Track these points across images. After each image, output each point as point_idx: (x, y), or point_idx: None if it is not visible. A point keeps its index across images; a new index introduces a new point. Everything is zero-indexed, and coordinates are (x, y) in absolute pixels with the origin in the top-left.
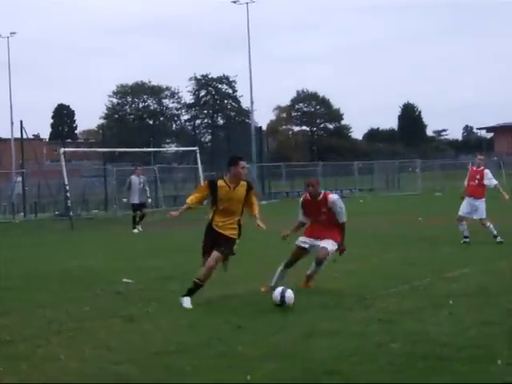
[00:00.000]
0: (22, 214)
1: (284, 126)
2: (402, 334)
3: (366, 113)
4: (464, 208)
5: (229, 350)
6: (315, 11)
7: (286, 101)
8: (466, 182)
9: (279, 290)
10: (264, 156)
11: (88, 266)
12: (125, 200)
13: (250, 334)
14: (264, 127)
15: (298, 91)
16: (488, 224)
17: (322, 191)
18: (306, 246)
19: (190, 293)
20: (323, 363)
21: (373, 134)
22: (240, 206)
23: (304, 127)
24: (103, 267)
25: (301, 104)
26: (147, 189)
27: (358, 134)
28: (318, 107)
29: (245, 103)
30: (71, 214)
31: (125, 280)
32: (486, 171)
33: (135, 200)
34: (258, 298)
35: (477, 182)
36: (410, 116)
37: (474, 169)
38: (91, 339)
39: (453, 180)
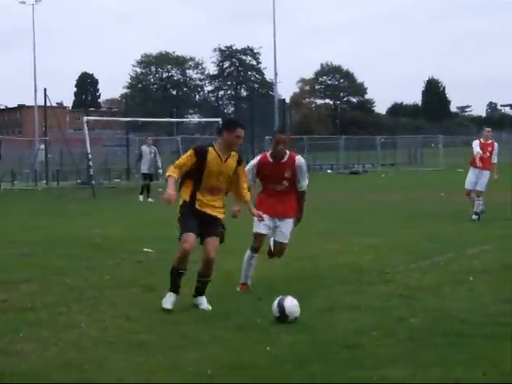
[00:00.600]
0: (45, 181)
1: (307, 99)
2: (422, 309)
3: (389, 87)
4: (471, 179)
5: (247, 322)
6: None
7: (309, 74)
8: (475, 153)
9: (275, 301)
10: (287, 128)
11: (109, 234)
12: (135, 170)
13: (270, 306)
14: (287, 100)
15: (321, 64)
16: (481, 198)
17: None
18: (265, 231)
19: (201, 293)
20: (343, 337)
21: (396, 109)
22: (227, 183)
23: (327, 100)
24: (124, 236)
25: (324, 77)
26: (158, 159)
27: (381, 108)
28: (341, 81)
29: (268, 75)
30: (93, 182)
31: (145, 249)
32: (496, 145)
33: (145, 170)
34: (278, 270)
35: (488, 154)
36: (433, 91)
37: (483, 141)
38: (111, 308)
39: None
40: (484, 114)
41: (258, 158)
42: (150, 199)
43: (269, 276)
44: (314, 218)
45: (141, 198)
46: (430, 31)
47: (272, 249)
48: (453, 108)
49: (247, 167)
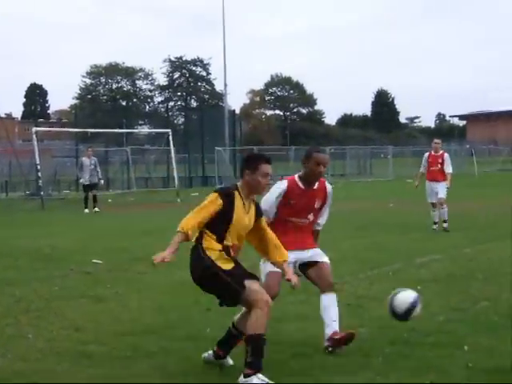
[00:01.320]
0: None
1: (257, 110)
2: (370, 318)
3: (339, 98)
4: (429, 192)
5: (197, 332)
6: None
7: (259, 84)
8: (423, 169)
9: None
10: (237, 139)
11: (58, 245)
12: (81, 181)
13: (219, 316)
14: (237, 111)
15: (272, 75)
16: (445, 206)
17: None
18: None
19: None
20: (291, 346)
21: (346, 120)
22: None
23: (277, 111)
24: (73, 247)
25: (274, 88)
26: (98, 170)
27: (331, 119)
28: (291, 91)
29: (218, 86)
30: (42, 193)
31: (94, 261)
32: (447, 155)
33: (86, 181)
34: None
35: (439, 166)
36: (383, 102)
37: (433, 153)
38: (59, 319)
39: None
40: (433, 125)
41: (283, 184)
42: (96, 209)
43: None
44: None
45: (86, 210)
46: (380, 42)
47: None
48: (402, 119)
49: (265, 198)
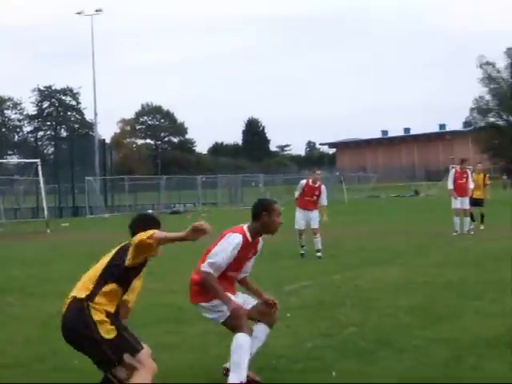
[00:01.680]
0: None
1: (128, 139)
2: None
3: (210, 127)
4: (299, 219)
5: (65, 364)
6: (160, 24)
7: (130, 114)
8: (297, 195)
9: None
10: (107, 169)
11: None
12: None
13: None
14: (108, 140)
15: (142, 104)
16: (318, 235)
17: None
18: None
19: None
20: (163, 377)
21: (217, 148)
22: None
23: (148, 140)
24: None
25: (145, 117)
26: None
27: (202, 147)
28: (162, 120)
29: (89, 115)
30: None
31: None
32: (323, 188)
33: None
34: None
35: (315, 198)
36: (254, 131)
37: (311, 184)
38: None
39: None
40: (303, 153)
41: (237, 237)
42: None
43: None
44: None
45: None
46: (250, 73)
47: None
48: (273, 147)
49: (219, 251)
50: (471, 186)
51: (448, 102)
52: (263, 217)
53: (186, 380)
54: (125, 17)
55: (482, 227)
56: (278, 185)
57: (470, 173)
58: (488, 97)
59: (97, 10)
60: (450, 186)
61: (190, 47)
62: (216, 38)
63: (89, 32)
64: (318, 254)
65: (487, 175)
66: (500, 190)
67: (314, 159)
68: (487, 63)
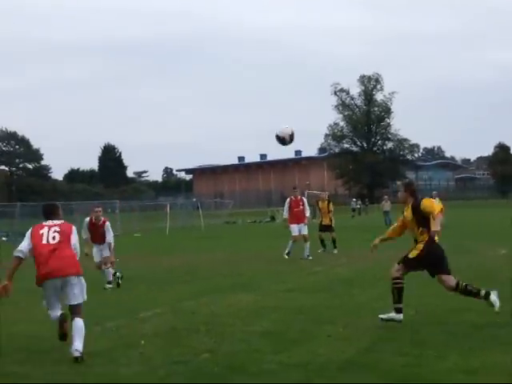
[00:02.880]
0: None
1: None
2: (93, 375)
3: (66, 153)
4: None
5: None
6: (12, 48)
7: None
8: (286, 214)
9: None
10: None
11: None
12: None
13: None
14: None
15: None
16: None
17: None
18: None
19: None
20: None
21: (73, 175)
22: None
23: (3, 167)
24: None
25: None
26: None
27: (58, 174)
28: (17, 147)
29: None
30: None
31: None
32: (108, 224)
33: None
34: None
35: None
36: (110, 157)
37: (293, 198)
38: None
39: (152, 221)
40: (160, 179)
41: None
42: None
43: None
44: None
45: None
46: (106, 99)
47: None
48: (130, 173)
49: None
50: (307, 213)
51: (303, 128)
52: None
53: None
54: None
55: (335, 251)
56: (134, 211)
57: (305, 200)
58: (342, 123)
59: None
60: (286, 215)
61: (45, 72)
62: (72, 64)
63: None
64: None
65: (331, 202)
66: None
67: (171, 185)
68: (341, 90)
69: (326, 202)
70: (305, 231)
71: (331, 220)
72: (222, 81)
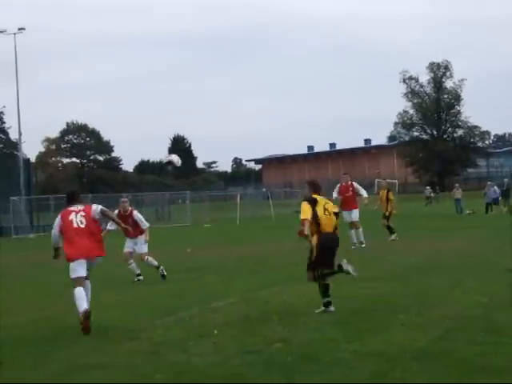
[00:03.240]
0: None
1: (53, 158)
2: (167, 365)
3: (136, 145)
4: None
5: None
6: (83, 42)
7: (55, 132)
8: (336, 194)
9: None
10: (32, 188)
11: None
12: None
13: (12, 369)
14: (33, 159)
15: (67, 123)
16: (360, 228)
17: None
18: None
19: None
20: None
21: (143, 166)
22: None
23: (74, 159)
24: None
25: (70, 136)
26: None
27: (128, 165)
28: (87, 139)
29: (13, 135)
30: None
31: None
32: (355, 184)
33: None
34: (20, 333)
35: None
36: (180, 148)
37: (343, 184)
38: None
39: (222, 211)
40: (230, 170)
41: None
42: None
43: (13, 338)
44: (60, 278)
45: None
46: (176, 90)
47: None
48: (199, 164)
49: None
50: (363, 196)
51: (372, 116)
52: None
53: None
54: (48, 35)
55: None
56: (204, 201)
57: (356, 185)
58: (412, 111)
59: (19, 29)
60: (335, 195)
61: (114, 66)
62: (142, 56)
63: (11, 51)
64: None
65: (391, 191)
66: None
67: (240, 175)
68: (410, 78)
69: (386, 191)
70: (355, 217)
71: (388, 208)
72: (290, 70)
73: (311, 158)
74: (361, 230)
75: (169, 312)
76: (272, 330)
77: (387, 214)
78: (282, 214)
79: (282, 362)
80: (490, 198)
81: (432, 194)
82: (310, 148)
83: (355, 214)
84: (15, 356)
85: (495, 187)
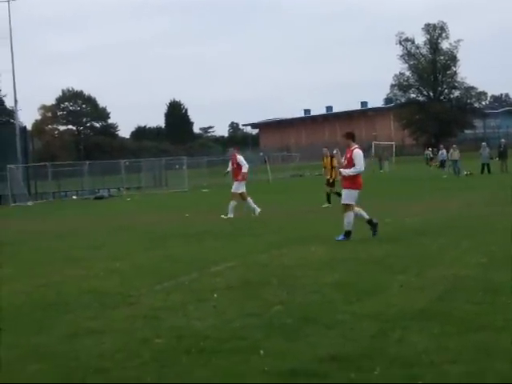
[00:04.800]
0: None
1: (50, 126)
2: (166, 329)
3: (133, 111)
4: None
5: None
6: (80, 9)
7: (51, 100)
8: None
9: None
10: (29, 156)
11: None
12: None
13: (11, 335)
14: (29, 127)
15: (63, 90)
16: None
17: None
18: None
19: None
20: (88, 362)
21: (140, 132)
22: None
23: (70, 126)
24: None
25: (66, 103)
26: None
27: (125, 132)
28: (84, 106)
29: (9, 103)
30: None
31: None
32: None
33: None
34: (21, 299)
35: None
36: (176, 114)
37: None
38: None
39: (219, 176)
40: (226, 134)
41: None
42: None
43: (10, 305)
44: (59, 245)
45: None
46: (170, 56)
47: None
48: (196, 129)
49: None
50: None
51: (368, 79)
52: None
53: (111, 365)
54: (44, 2)
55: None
56: (202, 167)
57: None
58: (408, 73)
59: None
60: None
61: (109, 32)
62: (135, 23)
63: (6, 18)
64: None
65: (334, 158)
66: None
67: (237, 140)
68: (406, 40)
69: (330, 158)
70: None
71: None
72: (286, 34)
73: (308, 121)
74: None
75: (168, 277)
76: (271, 293)
77: (331, 180)
78: (279, 177)
79: (282, 325)
80: (485, 159)
81: (432, 155)
82: (307, 111)
83: None
84: (18, 322)
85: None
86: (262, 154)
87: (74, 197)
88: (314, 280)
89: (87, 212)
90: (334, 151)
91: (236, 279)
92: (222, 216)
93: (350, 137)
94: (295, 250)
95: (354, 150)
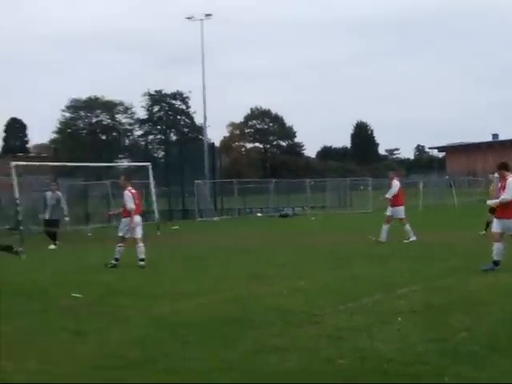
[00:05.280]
0: None
1: (237, 143)
2: (350, 350)
3: (319, 131)
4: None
5: (177, 365)
6: (271, 28)
7: (239, 117)
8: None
9: None
10: (217, 172)
11: (38, 279)
12: (40, 216)
13: (199, 348)
14: (217, 143)
15: (251, 108)
16: None
17: None
18: None
19: None
20: (273, 378)
21: (326, 152)
22: None
23: (257, 144)
24: (53, 281)
25: (254, 121)
26: (63, 206)
27: (310, 151)
28: (271, 124)
29: (198, 119)
30: (21, 228)
31: (74, 295)
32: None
33: (46, 216)
34: (207, 313)
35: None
36: (362, 135)
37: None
38: (39, 353)
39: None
40: (412, 157)
41: None
42: (52, 246)
43: (197, 319)
44: (244, 261)
45: (52, 246)
46: (358, 77)
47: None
48: (381, 151)
49: None
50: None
51: None
52: None
53: (297, 383)
54: (234, 21)
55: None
56: (385, 189)
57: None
58: None
59: (207, 15)
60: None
61: (298, 51)
62: (321, 43)
63: (198, 37)
64: None
65: None
66: None
67: (423, 163)
68: None
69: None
70: None
71: None
72: (478, 54)
73: (496, 145)
74: None
75: (352, 297)
76: (456, 320)
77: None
78: (465, 202)
79: (469, 352)
80: None
81: None
82: (495, 136)
83: None
84: (205, 335)
85: None
86: (447, 177)
87: (259, 214)
88: (501, 308)
89: (272, 229)
90: (495, 175)
91: (420, 303)
92: (405, 241)
93: (503, 167)
94: (481, 275)
95: (508, 179)
